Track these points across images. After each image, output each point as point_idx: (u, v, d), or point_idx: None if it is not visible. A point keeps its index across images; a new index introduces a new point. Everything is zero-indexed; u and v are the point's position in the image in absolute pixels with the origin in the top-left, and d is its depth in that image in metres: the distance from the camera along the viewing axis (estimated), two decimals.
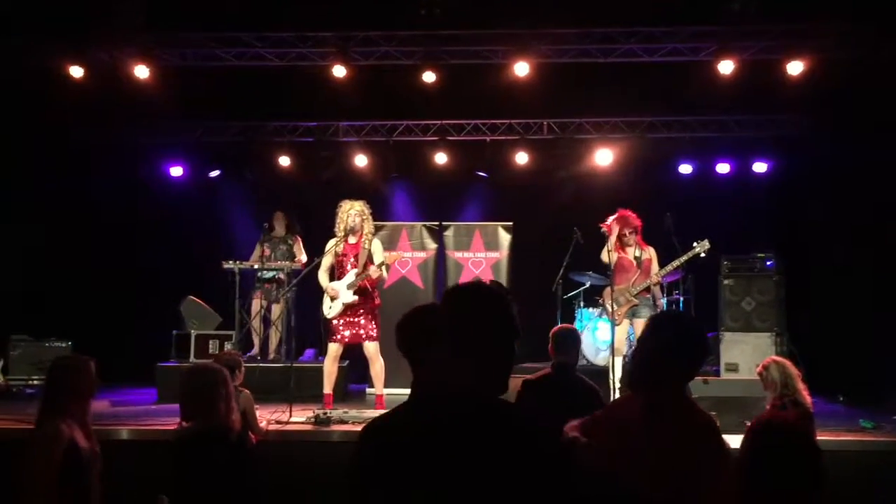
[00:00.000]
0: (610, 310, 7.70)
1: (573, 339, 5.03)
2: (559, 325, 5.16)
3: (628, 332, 8.05)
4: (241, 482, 3.48)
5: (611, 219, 7.98)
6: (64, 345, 9.22)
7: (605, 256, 7.98)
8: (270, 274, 9.43)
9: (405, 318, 2.92)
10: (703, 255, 7.91)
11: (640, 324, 7.76)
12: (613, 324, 7.68)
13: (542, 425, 2.03)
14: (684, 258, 7.86)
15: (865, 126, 9.09)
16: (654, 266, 7.95)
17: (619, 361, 7.61)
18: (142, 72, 8.71)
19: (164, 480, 3.51)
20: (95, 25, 8.49)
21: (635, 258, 7.86)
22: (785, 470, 2.51)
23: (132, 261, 10.46)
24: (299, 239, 9.68)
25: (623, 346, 7.91)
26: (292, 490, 5.71)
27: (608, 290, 7.86)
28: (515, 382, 5.29)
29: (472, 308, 2.05)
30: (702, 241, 7.90)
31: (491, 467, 1.83)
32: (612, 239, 7.94)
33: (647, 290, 7.89)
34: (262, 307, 9.44)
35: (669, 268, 7.88)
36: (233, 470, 3.47)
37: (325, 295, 7.76)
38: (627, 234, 7.92)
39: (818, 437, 5.01)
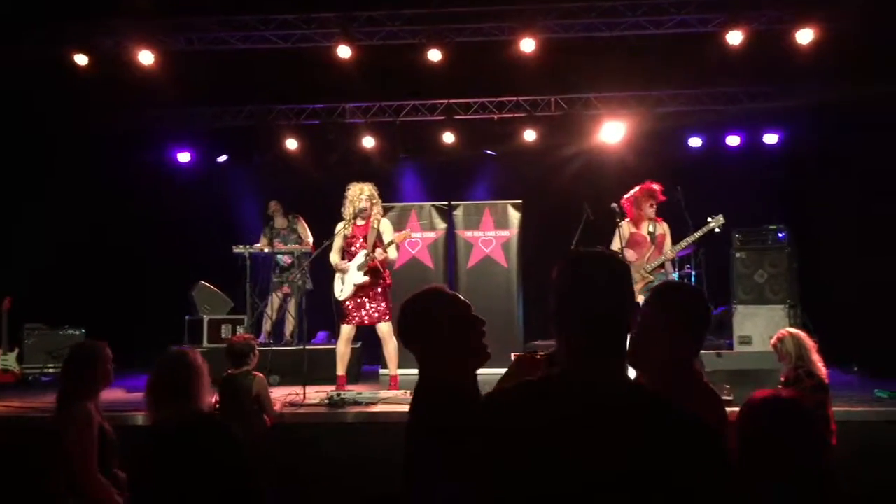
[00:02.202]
0: None
1: None
2: None
3: None
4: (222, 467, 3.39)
5: (633, 191, 7.88)
6: (77, 332, 9.28)
7: (616, 244, 7.86)
8: (290, 262, 9.45)
9: (407, 305, 2.82)
10: (717, 230, 7.83)
11: None
12: None
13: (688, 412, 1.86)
14: (699, 234, 7.74)
15: (877, 95, 8.98)
16: (668, 241, 7.87)
17: None
18: (146, 58, 8.69)
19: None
20: (99, 12, 8.48)
21: (649, 233, 7.79)
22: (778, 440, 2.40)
23: (142, 247, 10.51)
24: (301, 219, 9.67)
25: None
26: (307, 471, 5.74)
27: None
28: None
29: (567, 274, 1.93)
30: (716, 215, 7.81)
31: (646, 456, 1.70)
32: (628, 220, 7.87)
33: (661, 265, 7.83)
34: (281, 299, 9.49)
35: (684, 243, 7.78)
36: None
37: (336, 277, 7.76)
38: (652, 206, 7.83)
39: (833, 409, 5.00)
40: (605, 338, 1.85)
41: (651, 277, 7.72)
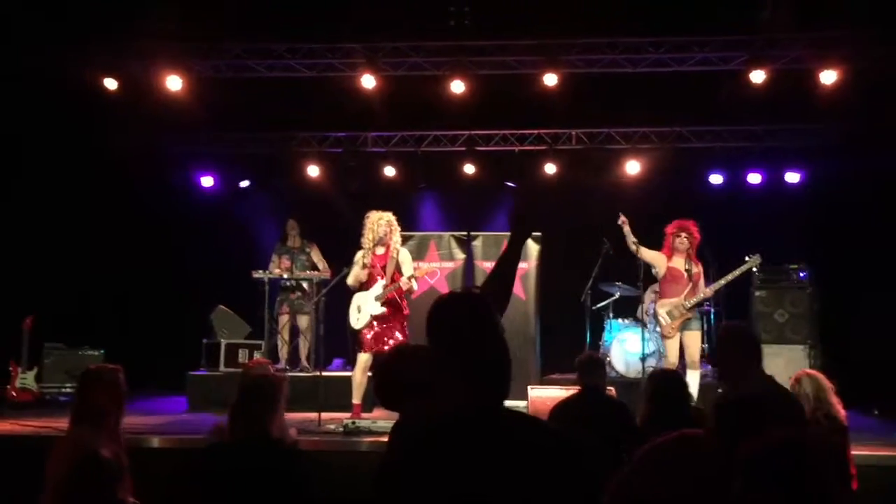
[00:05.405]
0: (665, 322, 7.70)
1: (597, 364, 5.09)
2: (583, 353, 5.26)
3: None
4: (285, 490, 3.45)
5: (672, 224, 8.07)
6: (97, 353, 9.34)
7: (642, 253, 8.02)
8: (292, 284, 9.49)
9: (382, 370, 2.90)
10: (755, 269, 7.94)
11: (689, 336, 7.81)
12: (663, 336, 7.72)
13: (548, 428, 1.98)
14: (737, 272, 7.92)
15: None
16: (702, 281, 7.98)
17: (692, 375, 7.63)
18: (174, 83, 8.81)
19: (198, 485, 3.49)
20: (127, 36, 8.62)
21: (686, 271, 7.86)
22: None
23: (163, 270, 10.57)
24: (315, 246, 9.71)
25: (677, 359, 7.84)
26: (321, 500, 5.71)
27: (661, 300, 7.90)
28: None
29: (436, 317, 2.03)
30: (753, 255, 7.93)
31: (498, 477, 1.79)
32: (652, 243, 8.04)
33: (699, 303, 7.97)
34: (288, 320, 9.51)
35: (723, 282, 7.93)
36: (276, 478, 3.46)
37: (352, 306, 7.78)
38: (682, 242, 7.89)
39: (853, 452, 4.93)
40: (481, 373, 1.93)
41: (690, 315, 7.81)
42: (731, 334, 4.36)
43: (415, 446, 1.98)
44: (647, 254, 8.04)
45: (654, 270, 8.33)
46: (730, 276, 7.89)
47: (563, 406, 4.78)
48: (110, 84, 8.81)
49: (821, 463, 2.21)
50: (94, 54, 8.76)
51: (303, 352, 9.47)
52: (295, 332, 9.61)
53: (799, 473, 2.11)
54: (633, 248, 7.98)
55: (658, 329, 8.14)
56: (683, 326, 7.80)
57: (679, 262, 7.90)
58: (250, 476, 3.33)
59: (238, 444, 3.52)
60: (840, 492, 2.35)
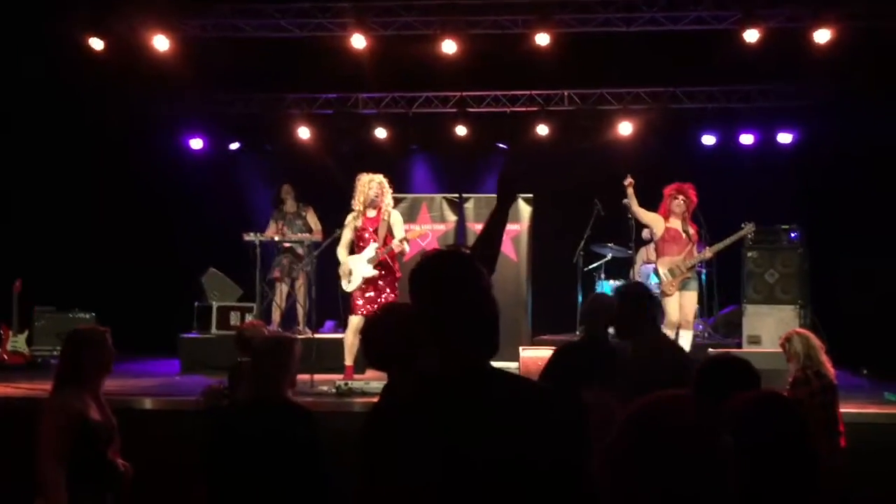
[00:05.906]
0: (666, 279, 7.77)
1: (595, 310, 4.78)
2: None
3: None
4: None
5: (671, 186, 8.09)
6: (88, 316, 9.31)
7: (640, 214, 8.05)
8: (284, 247, 9.43)
9: (370, 331, 2.88)
10: (749, 237, 8.16)
11: (686, 296, 7.86)
12: (663, 294, 7.81)
13: (539, 386, 1.99)
14: (734, 237, 8.04)
15: (894, 94, 8.92)
16: (698, 242, 8.12)
17: (685, 335, 7.70)
18: (161, 43, 8.67)
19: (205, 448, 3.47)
20: None
21: (684, 231, 7.92)
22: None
23: (154, 233, 10.53)
24: (311, 209, 9.65)
25: (678, 318, 7.85)
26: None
27: (661, 258, 7.95)
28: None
29: (418, 275, 2.02)
30: (749, 223, 8.10)
31: (489, 435, 1.79)
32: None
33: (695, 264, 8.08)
34: (281, 283, 9.48)
35: (720, 245, 8.03)
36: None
37: (343, 269, 7.75)
38: (679, 205, 7.91)
39: (842, 410, 4.98)
40: (465, 329, 1.93)
41: (689, 275, 7.91)
42: (629, 294, 4.57)
43: (396, 406, 1.99)
44: (644, 215, 8.05)
45: (645, 232, 8.34)
46: (727, 241, 8.01)
47: (559, 355, 4.66)
48: (96, 44, 8.66)
49: (802, 415, 2.26)
50: (80, 14, 8.61)
51: (301, 315, 9.44)
52: (288, 295, 9.59)
53: (786, 424, 2.14)
54: (634, 209, 7.99)
55: (658, 288, 8.18)
56: (682, 286, 7.87)
57: (676, 223, 7.96)
58: (270, 438, 3.33)
59: (257, 407, 3.50)
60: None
